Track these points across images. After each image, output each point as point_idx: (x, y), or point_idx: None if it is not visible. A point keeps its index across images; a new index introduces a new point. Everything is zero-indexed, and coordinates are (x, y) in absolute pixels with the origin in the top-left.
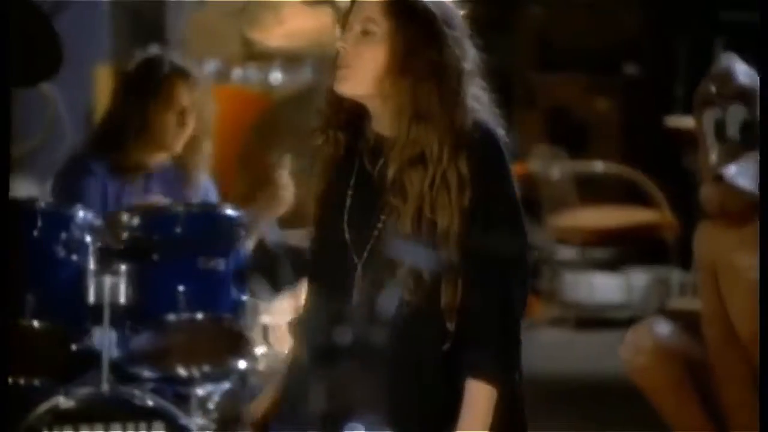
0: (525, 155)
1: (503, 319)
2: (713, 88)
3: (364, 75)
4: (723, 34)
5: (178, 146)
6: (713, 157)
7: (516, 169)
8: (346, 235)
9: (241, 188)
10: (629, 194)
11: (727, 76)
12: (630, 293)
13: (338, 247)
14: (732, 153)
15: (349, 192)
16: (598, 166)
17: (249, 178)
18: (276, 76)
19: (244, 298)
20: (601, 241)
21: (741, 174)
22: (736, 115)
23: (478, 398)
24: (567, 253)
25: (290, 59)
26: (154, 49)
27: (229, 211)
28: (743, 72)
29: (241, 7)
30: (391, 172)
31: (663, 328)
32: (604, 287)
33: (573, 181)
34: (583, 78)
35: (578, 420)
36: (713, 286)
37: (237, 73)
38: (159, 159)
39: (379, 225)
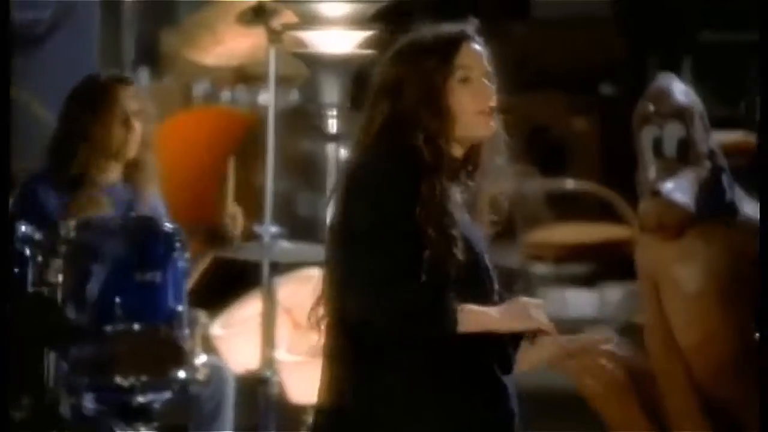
0: None
1: None
2: (651, 107)
3: None
4: (694, 54)
5: (129, 153)
6: (651, 173)
7: None
8: (487, 262)
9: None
10: (602, 211)
11: (665, 95)
12: (603, 308)
13: (482, 277)
14: (669, 169)
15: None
16: (570, 183)
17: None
18: (264, 97)
19: (181, 309)
20: (574, 257)
21: (677, 189)
22: (673, 133)
23: None
24: (541, 268)
25: (279, 81)
26: (143, 72)
27: (166, 225)
28: (680, 91)
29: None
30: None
31: None
32: (578, 302)
33: (546, 199)
34: (560, 98)
35: None
36: (654, 297)
37: (226, 94)
38: (110, 174)
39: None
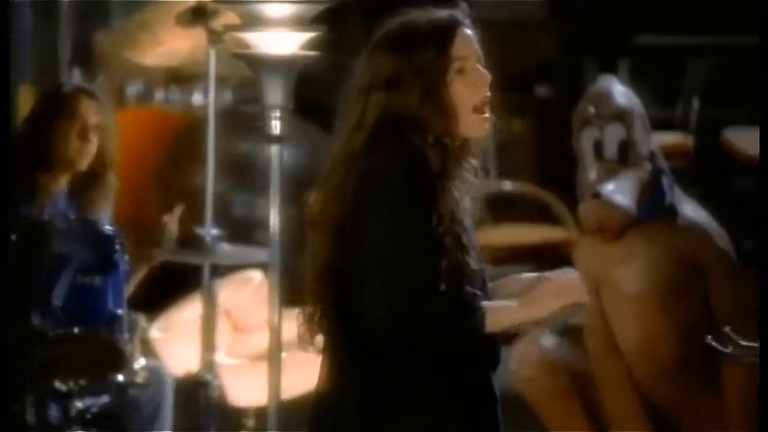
0: None
1: None
2: (591, 109)
3: None
4: (630, 56)
5: (82, 164)
6: (592, 174)
7: None
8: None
9: (155, 207)
10: (539, 213)
11: (605, 97)
12: None
13: (474, 277)
14: (610, 171)
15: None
16: (506, 185)
17: (166, 196)
18: (198, 98)
19: (121, 312)
20: (511, 259)
21: (618, 191)
22: (613, 135)
23: None
24: None
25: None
26: (76, 73)
27: (106, 228)
28: (620, 93)
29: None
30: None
31: (548, 340)
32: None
33: (483, 200)
34: (496, 99)
35: None
36: (595, 299)
37: (159, 95)
38: (58, 183)
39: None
